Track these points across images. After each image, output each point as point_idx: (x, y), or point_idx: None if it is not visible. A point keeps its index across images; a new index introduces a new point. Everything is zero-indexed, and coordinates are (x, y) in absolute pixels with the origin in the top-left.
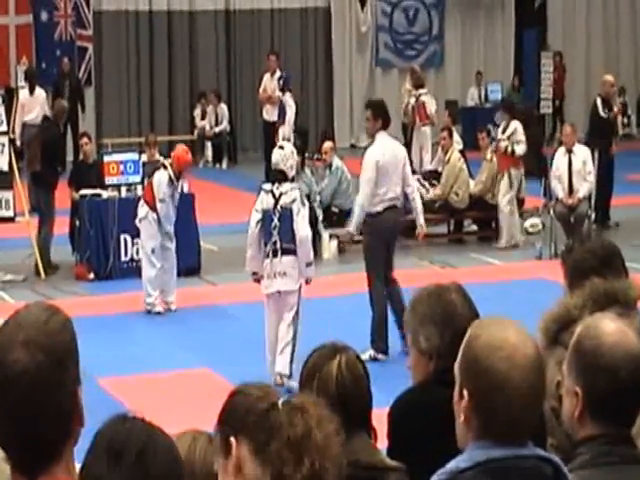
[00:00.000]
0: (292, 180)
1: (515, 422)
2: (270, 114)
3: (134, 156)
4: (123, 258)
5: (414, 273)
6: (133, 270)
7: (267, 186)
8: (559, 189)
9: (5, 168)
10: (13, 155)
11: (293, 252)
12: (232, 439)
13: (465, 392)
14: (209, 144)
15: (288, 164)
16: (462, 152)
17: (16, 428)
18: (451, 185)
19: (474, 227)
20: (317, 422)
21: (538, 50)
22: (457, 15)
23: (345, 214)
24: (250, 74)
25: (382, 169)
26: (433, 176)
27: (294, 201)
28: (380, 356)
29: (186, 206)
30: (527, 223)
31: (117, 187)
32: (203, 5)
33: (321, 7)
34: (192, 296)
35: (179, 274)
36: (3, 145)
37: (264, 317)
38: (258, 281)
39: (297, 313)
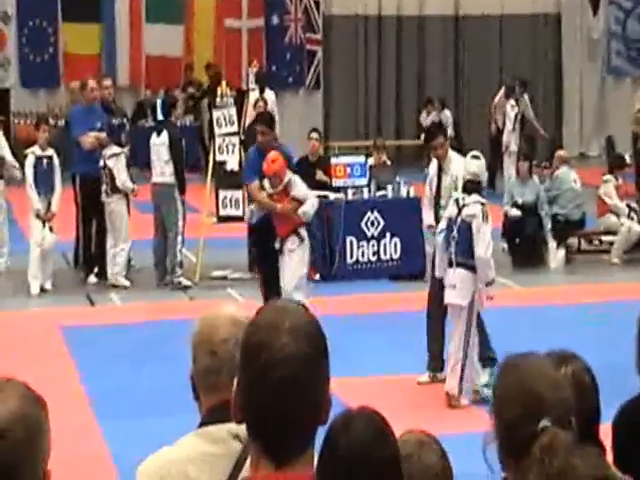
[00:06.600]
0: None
1: None
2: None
3: (361, 159)
4: (348, 260)
5: None
6: (358, 272)
7: (456, 194)
8: None
9: (236, 168)
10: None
11: (467, 267)
12: None
13: None
14: None
15: (484, 176)
16: None
17: (273, 412)
18: None
19: None
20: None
21: None
22: None
23: (572, 224)
24: (478, 79)
25: None
26: None
27: (474, 216)
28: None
29: (410, 210)
30: None
31: (344, 189)
32: (432, 10)
33: (551, 13)
34: (415, 300)
35: (402, 278)
36: (234, 145)
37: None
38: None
39: (469, 330)
